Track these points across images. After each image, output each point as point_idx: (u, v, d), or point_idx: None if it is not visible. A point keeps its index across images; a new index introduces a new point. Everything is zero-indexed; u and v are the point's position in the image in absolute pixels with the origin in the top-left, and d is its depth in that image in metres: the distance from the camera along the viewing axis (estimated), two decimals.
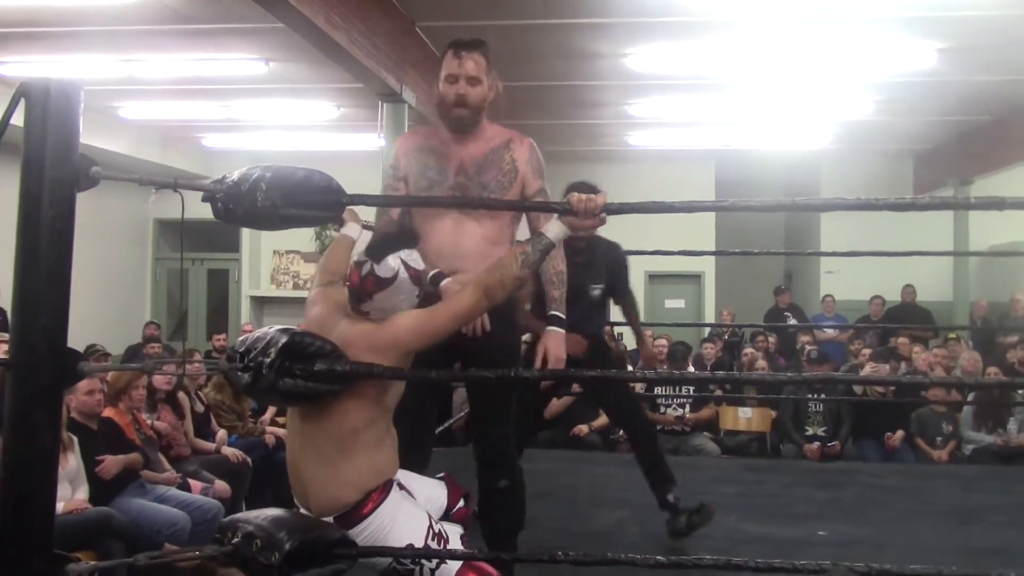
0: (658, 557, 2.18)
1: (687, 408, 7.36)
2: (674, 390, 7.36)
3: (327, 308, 2.61)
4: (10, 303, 2.07)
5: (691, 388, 7.33)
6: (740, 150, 11.96)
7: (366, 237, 2.73)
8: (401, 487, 2.56)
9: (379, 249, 2.46)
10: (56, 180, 2.04)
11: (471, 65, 3.00)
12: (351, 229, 3.03)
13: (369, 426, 2.45)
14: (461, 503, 2.80)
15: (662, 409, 7.38)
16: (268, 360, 2.26)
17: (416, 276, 2.49)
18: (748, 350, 8.76)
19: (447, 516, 2.72)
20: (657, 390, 7.37)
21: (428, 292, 2.70)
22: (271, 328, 2.34)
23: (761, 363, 8.16)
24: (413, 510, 2.53)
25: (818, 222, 12.87)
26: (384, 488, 2.48)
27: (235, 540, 2.29)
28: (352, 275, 2.47)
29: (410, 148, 3.15)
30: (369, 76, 6.82)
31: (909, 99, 9.23)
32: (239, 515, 2.42)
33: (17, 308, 2.04)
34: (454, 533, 2.61)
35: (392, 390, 2.52)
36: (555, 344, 2.96)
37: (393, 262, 2.43)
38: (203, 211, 2.58)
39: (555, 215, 2.45)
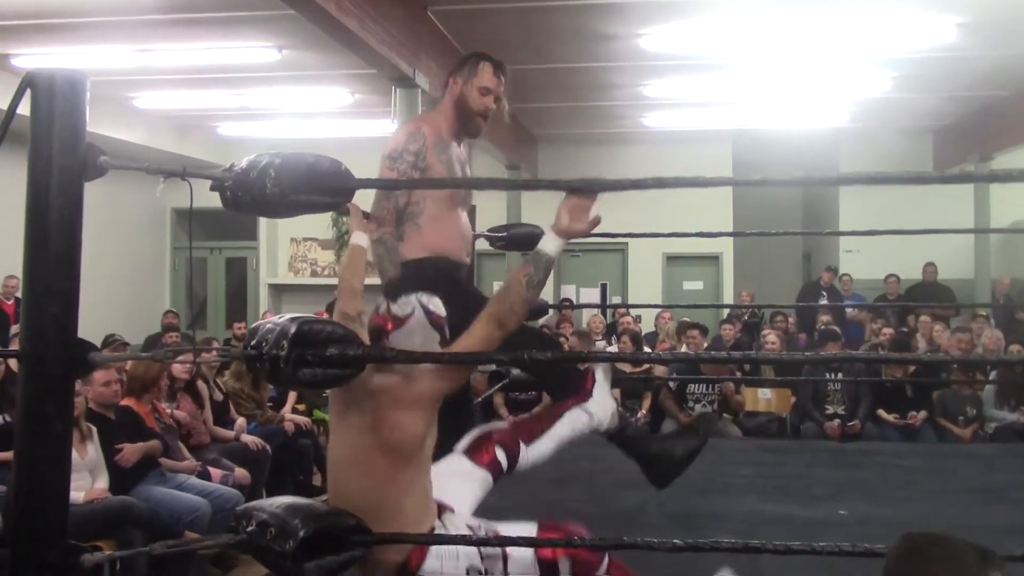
0: (675, 541, 2.16)
1: (715, 405, 7.32)
2: (707, 388, 7.32)
3: None
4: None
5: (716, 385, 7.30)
6: (757, 130, 11.87)
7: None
8: (441, 509, 2.57)
9: (397, 290, 2.49)
10: (64, 169, 2.03)
11: (502, 87, 3.40)
12: (359, 238, 3.03)
13: (407, 470, 2.44)
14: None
15: (690, 403, 7.33)
16: (283, 354, 2.24)
17: (437, 322, 2.48)
18: (765, 331, 8.70)
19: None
20: (690, 388, 7.33)
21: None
22: (281, 318, 2.33)
23: (772, 342, 8.10)
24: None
25: (836, 202, 12.77)
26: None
27: (250, 528, 2.28)
28: (371, 316, 2.49)
29: (433, 144, 3.35)
30: (382, 62, 6.79)
31: (928, 75, 9.12)
32: (254, 503, 2.42)
33: (27, 298, 2.04)
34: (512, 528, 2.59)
35: (429, 437, 2.49)
36: None
37: (409, 302, 2.43)
38: (219, 199, 2.57)
39: (551, 230, 2.40)
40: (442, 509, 2.58)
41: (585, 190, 2.31)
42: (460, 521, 2.56)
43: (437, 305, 2.49)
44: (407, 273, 3.24)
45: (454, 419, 2.83)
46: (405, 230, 3.33)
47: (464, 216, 3.49)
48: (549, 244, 2.39)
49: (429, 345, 2.46)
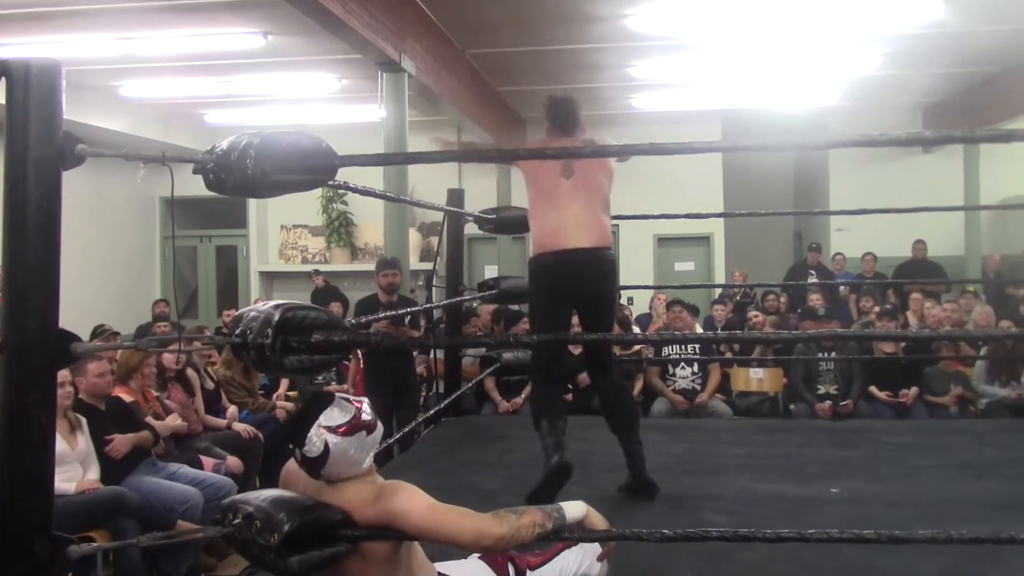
0: (664, 531, 2.16)
1: (698, 376, 7.29)
2: (682, 349, 7.30)
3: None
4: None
5: (697, 348, 7.27)
6: (746, 110, 11.85)
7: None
8: None
9: (295, 430, 2.36)
10: (41, 159, 2.01)
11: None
12: None
13: None
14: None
15: (671, 370, 7.32)
16: (268, 342, 2.22)
17: (350, 429, 2.34)
18: (752, 313, 8.70)
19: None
20: (665, 351, 7.32)
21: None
22: (264, 305, 2.30)
23: (757, 320, 8.11)
24: None
25: (827, 181, 12.79)
26: None
27: (236, 521, 2.26)
28: (289, 473, 2.43)
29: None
30: (367, 46, 6.76)
31: (917, 51, 9.11)
32: (240, 496, 2.40)
33: (7, 289, 2.02)
34: None
35: (411, 552, 2.44)
36: None
37: (316, 438, 2.31)
38: None
39: (581, 503, 2.48)
40: None
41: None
42: None
43: (338, 416, 2.34)
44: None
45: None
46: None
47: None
48: (574, 511, 2.44)
49: (364, 450, 2.38)
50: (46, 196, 2.02)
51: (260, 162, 2.18)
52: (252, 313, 2.29)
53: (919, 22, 7.90)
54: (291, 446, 2.36)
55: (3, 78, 2.03)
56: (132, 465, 5.00)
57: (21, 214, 2.00)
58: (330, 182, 2.52)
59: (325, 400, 2.39)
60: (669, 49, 8.92)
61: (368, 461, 2.42)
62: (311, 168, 2.30)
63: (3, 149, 2.01)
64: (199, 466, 5.49)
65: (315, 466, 2.34)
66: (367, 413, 2.41)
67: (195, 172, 2.28)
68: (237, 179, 2.20)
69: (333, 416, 2.35)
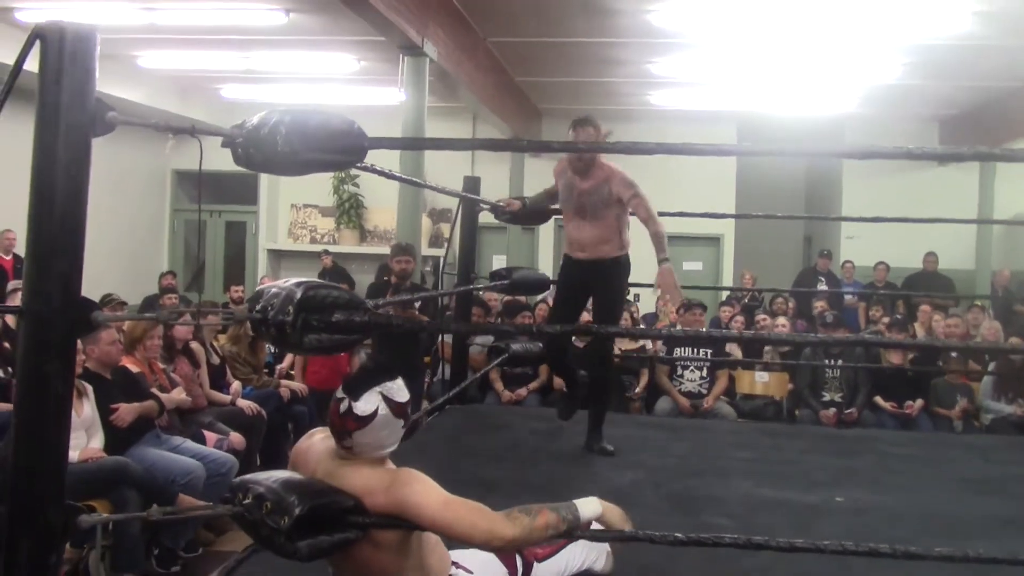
0: (676, 535, 2.14)
1: (705, 380, 7.28)
2: (692, 352, 7.30)
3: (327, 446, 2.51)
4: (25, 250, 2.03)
5: (708, 352, 7.27)
6: (762, 115, 11.80)
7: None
8: (456, 565, 2.56)
9: (358, 384, 2.35)
10: (72, 125, 1.99)
11: (583, 136, 4.54)
12: None
13: (396, 574, 2.39)
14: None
15: (679, 372, 7.32)
16: (289, 319, 2.21)
17: (399, 411, 2.37)
18: (760, 316, 8.68)
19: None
20: (677, 351, 7.31)
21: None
22: (286, 282, 2.29)
23: (765, 324, 8.11)
24: None
25: (840, 187, 12.74)
26: None
27: (246, 501, 2.24)
28: (332, 410, 2.37)
29: (559, 173, 4.82)
30: (390, 28, 6.72)
31: (940, 62, 9.04)
32: (250, 476, 2.38)
33: (31, 255, 2.00)
34: None
35: (422, 540, 2.43)
36: (665, 276, 4.57)
37: (372, 399, 2.32)
38: (221, 162, 2.54)
39: (595, 500, 2.48)
40: (457, 565, 2.58)
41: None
42: None
43: (398, 391, 2.37)
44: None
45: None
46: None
47: (583, 224, 4.72)
48: (587, 509, 2.42)
49: (395, 434, 2.39)
50: (75, 162, 2.00)
51: (290, 139, 2.16)
52: (273, 290, 2.28)
53: (946, 33, 7.84)
54: (342, 395, 2.34)
55: (38, 42, 2.01)
56: (136, 436, 5.00)
57: (49, 180, 1.99)
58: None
59: (394, 372, 2.40)
60: (690, 47, 8.87)
61: (389, 451, 2.42)
62: (340, 148, 2.28)
63: (25, 115, 1.99)
64: (202, 441, 5.49)
65: (353, 426, 2.32)
66: (410, 410, 2.43)
67: (223, 146, 2.27)
68: (266, 155, 2.18)
69: (394, 389, 2.36)
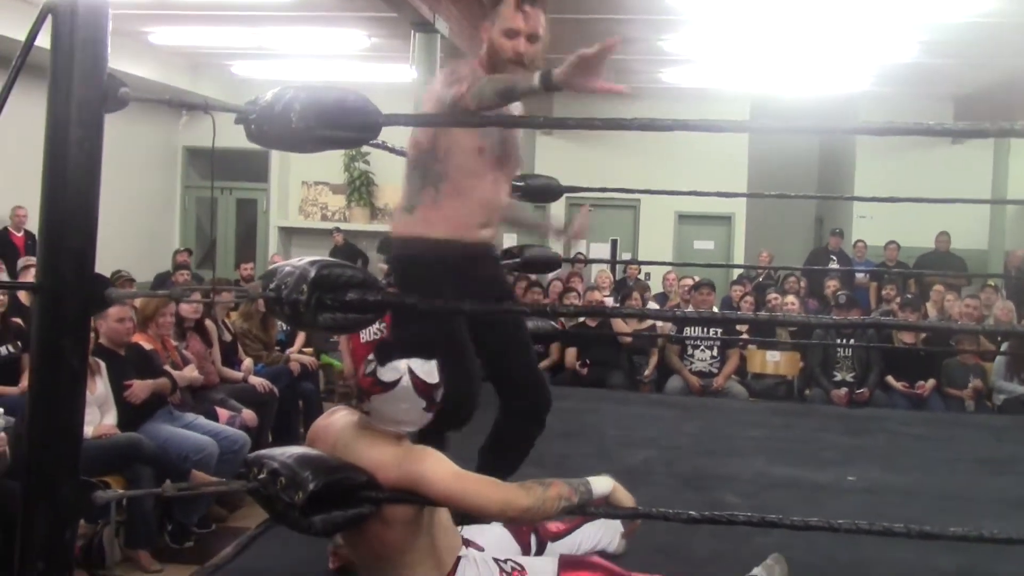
0: (691, 512, 2.13)
1: (716, 360, 7.27)
2: (704, 331, 7.28)
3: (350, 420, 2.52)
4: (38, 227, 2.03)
5: (719, 331, 7.25)
6: (774, 96, 11.72)
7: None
8: (467, 543, 2.56)
9: (389, 351, 2.36)
10: (84, 100, 1.97)
11: (534, 22, 2.88)
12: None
13: (406, 551, 2.39)
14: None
15: (689, 351, 7.31)
16: (303, 299, 2.20)
17: (425, 391, 2.37)
18: (772, 295, 8.65)
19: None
20: (687, 330, 7.30)
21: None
22: (300, 261, 2.28)
23: (790, 303, 8.08)
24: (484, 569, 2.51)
25: (852, 167, 12.67)
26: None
27: (260, 476, 2.26)
28: (360, 370, 2.38)
29: (461, 95, 2.73)
30: (401, 4, 6.69)
31: (956, 41, 8.95)
32: (265, 451, 2.39)
33: (44, 232, 1.99)
34: (539, 563, 2.60)
35: (433, 518, 2.43)
36: None
37: (400, 368, 2.33)
38: (232, 139, 2.52)
39: (608, 478, 2.45)
40: (468, 543, 2.58)
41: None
42: (487, 556, 2.57)
43: (429, 371, 2.37)
44: (412, 253, 2.85)
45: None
46: (422, 196, 2.86)
47: (502, 183, 2.96)
48: (600, 486, 2.41)
49: (414, 412, 2.39)
50: (88, 138, 1.98)
51: (304, 116, 2.15)
52: (287, 268, 2.26)
53: (964, 11, 7.74)
54: (372, 357, 2.36)
55: (49, 17, 2.00)
56: (149, 413, 5.02)
57: (62, 156, 1.97)
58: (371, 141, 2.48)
59: (431, 353, 2.41)
60: (701, 24, 8.80)
61: (407, 430, 2.43)
62: (355, 125, 2.26)
63: (35, 90, 1.98)
64: (214, 418, 5.51)
65: (374, 390, 2.34)
66: (438, 396, 2.42)
67: (237, 123, 2.25)
68: (280, 131, 2.17)
69: (424, 368, 2.37)
